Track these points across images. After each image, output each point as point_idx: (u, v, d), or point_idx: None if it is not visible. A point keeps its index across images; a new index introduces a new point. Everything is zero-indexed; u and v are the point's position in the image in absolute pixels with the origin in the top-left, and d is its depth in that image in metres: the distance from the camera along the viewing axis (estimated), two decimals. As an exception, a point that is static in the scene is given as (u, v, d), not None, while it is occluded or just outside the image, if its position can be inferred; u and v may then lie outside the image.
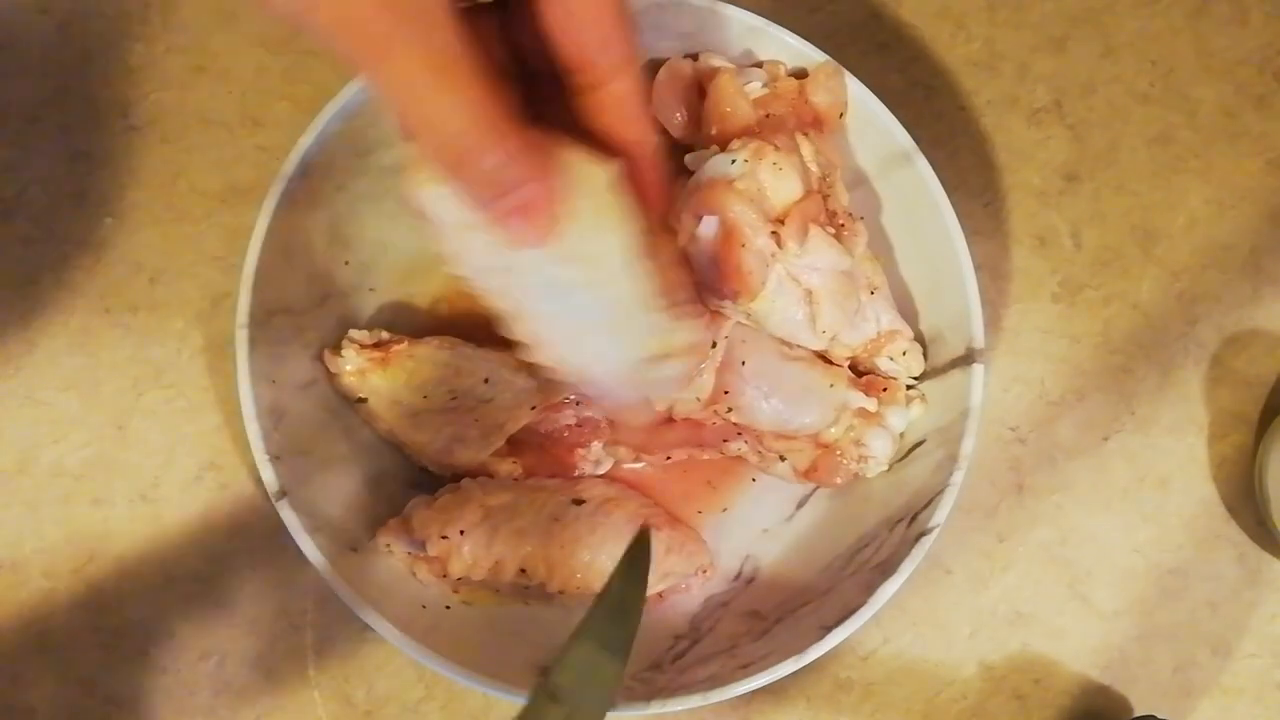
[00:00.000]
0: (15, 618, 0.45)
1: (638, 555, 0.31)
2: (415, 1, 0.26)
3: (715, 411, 0.44)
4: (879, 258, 0.45)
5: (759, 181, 0.40)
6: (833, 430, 0.44)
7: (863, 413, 0.44)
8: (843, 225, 0.42)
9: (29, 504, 0.45)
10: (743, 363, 0.43)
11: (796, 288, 0.41)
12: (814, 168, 0.42)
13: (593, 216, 0.32)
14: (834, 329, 0.42)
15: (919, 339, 0.45)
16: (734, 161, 0.40)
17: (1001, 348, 0.49)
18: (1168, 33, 0.53)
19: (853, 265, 0.42)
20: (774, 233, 0.40)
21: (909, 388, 0.45)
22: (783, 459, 0.44)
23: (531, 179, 0.30)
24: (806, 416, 0.44)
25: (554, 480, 0.44)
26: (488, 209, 0.30)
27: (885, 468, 0.44)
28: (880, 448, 0.44)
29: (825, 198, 0.42)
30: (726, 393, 0.43)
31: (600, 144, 0.32)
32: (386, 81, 0.27)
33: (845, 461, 0.44)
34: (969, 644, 0.47)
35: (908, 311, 0.45)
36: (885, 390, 0.44)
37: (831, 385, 0.44)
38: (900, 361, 0.44)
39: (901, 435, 0.44)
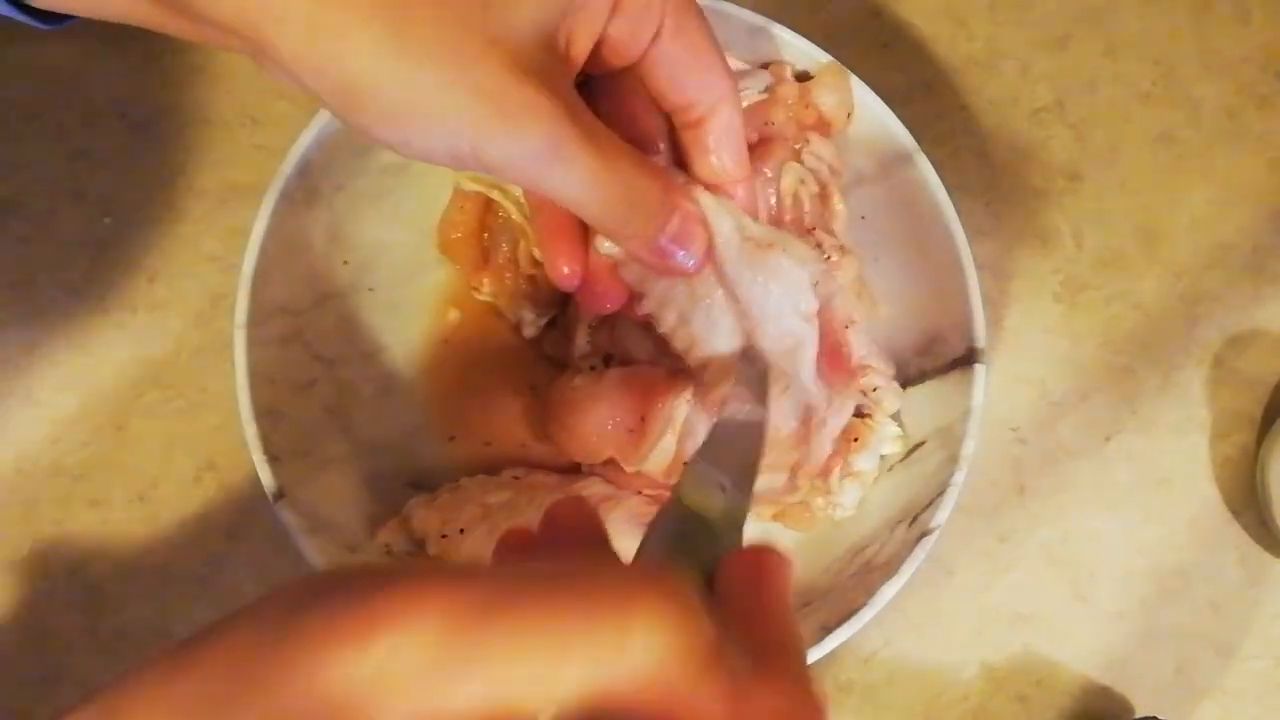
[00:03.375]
0: (15, 618, 0.44)
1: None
2: (562, 90, 0.29)
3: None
4: (879, 259, 0.45)
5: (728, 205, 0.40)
6: (795, 493, 0.42)
7: (827, 474, 0.42)
8: (827, 257, 0.41)
9: (28, 504, 0.45)
10: (704, 429, 0.41)
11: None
12: (805, 189, 0.41)
13: None
14: None
15: (924, 336, 0.45)
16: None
17: (1003, 348, 0.49)
18: (1170, 32, 0.52)
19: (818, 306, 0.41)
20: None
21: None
22: None
23: (678, 209, 0.35)
24: (764, 485, 0.41)
25: (552, 478, 0.44)
26: (651, 249, 0.35)
27: (852, 512, 0.43)
28: (849, 496, 0.43)
29: (811, 229, 0.41)
30: (686, 464, 0.42)
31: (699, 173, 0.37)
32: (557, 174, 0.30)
33: (812, 512, 0.43)
34: (970, 645, 0.47)
35: (908, 311, 0.45)
36: (856, 439, 0.43)
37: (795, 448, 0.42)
38: (871, 397, 0.43)
39: (881, 458, 0.44)
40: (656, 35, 0.33)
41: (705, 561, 0.24)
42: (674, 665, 0.18)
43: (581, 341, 0.43)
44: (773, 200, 0.41)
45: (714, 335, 0.39)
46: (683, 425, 0.41)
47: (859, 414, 0.43)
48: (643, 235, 0.34)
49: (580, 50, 0.31)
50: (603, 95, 0.35)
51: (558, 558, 0.24)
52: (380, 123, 0.29)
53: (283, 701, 0.17)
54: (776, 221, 0.41)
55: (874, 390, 0.43)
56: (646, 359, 0.41)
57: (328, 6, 0.26)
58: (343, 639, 0.17)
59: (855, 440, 0.43)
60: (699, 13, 0.34)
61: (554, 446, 0.44)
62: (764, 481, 0.41)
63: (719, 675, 0.19)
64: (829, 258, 0.42)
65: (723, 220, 0.37)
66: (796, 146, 0.43)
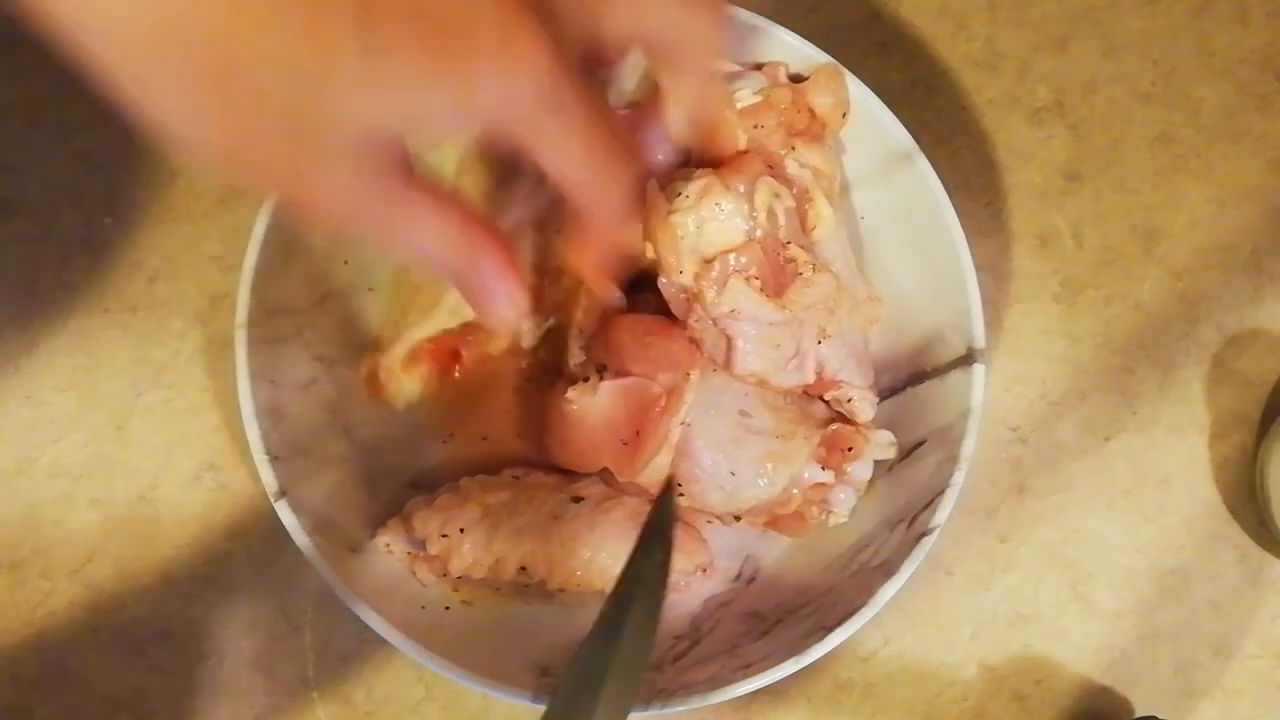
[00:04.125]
0: (15, 618, 0.44)
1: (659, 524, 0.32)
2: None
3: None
4: (878, 259, 0.45)
5: (699, 218, 0.40)
6: (787, 506, 0.43)
7: (820, 486, 0.43)
8: (799, 273, 0.41)
9: (28, 504, 0.45)
10: (699, 445, 0.42)
11: (713, 328, 0.41)
12: (780, 206, 0.41)
13: None
14: (758, 373, 0.41)
15: (924, 337, 0.45)
16: (678, 194, 0.40)
17: (1002, 348, 0.49)
18: (1169, 32, 0.52)
19: (790, 316, 0.41)
20: (696, 274, 0.40)
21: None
22: (738, 518, 0.44)
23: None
24: (755, 499, 0.42)
25: (552, 478, 0.44)
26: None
27: (846, 519, 0.43)
28: (844, 502, 0.43)
29: (785, 244, 0.41)
30: (679, 482, 0.42)
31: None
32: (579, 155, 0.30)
33: (806, 519, 0.43)
34: (970, 645, 0.47)
35: (908, 312, 0.45)
36: (850, 450, 0.43)
37: (789, 463, 0.42)
38: (845, 409, 0.43)
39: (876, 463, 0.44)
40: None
41: None
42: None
43: (575, 352, 0.43)
44: (750, 216, 0.41)
45: None
46: (677, 444, 0.41)
47: (851, 422, 0.43)
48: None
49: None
50: None
51: None
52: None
53: None
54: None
55: (848, 401, 0.43)
56: (640, 371, 0.41)
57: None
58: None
59: (849, 450, 0.43)
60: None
61: (548, 458, 0.44)
62: (758, 491, 0.42)
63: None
64: (806, 270, 0.42)
65: None
66: (782, 152, 0.42)
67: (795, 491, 0.42)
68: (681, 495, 0.42)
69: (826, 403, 0.44)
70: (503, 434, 0.45)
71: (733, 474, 0.41)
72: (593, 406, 0.42)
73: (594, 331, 0.43)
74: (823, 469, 0.42)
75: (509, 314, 0.32)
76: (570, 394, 0.42)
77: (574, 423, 0.42)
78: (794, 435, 0.42)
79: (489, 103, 0.27)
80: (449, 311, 0.43)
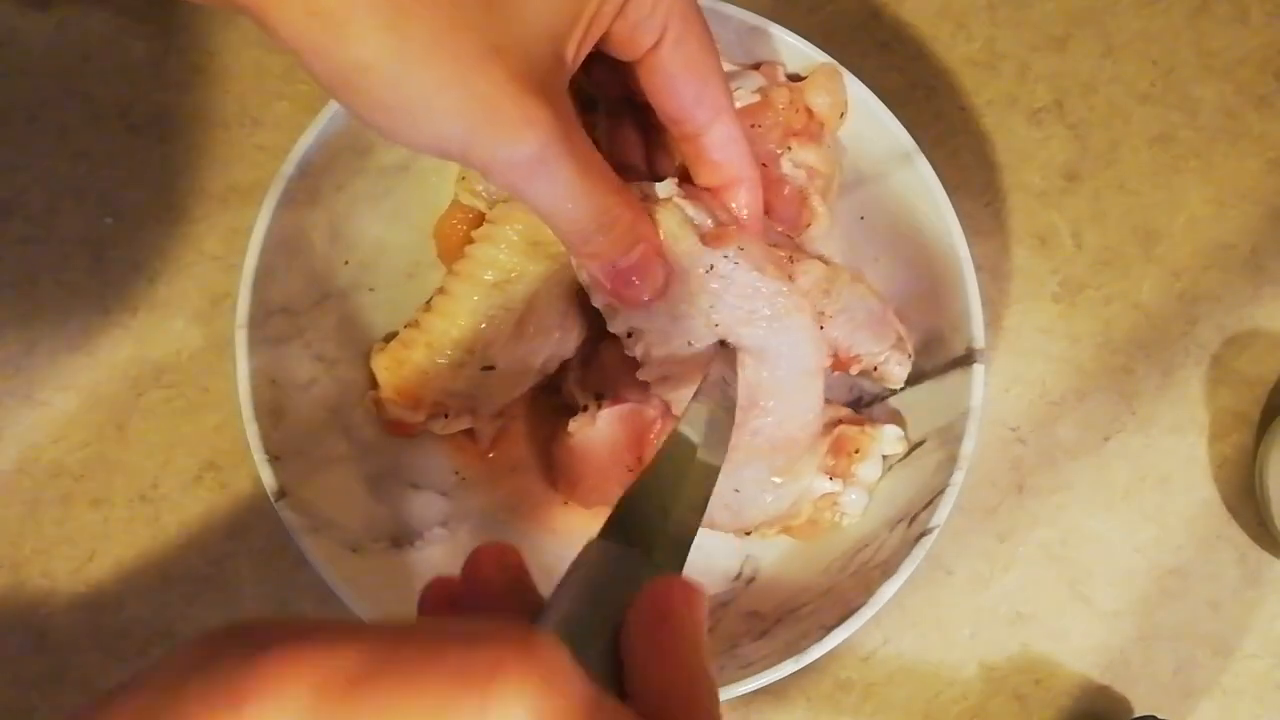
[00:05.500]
0: (15, 618, 0.44)
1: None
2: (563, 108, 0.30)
3: None
4: (878, 259, 0.45)
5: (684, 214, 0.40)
6: (797, 517, 0.43)
7: (829, 497, 0.43)
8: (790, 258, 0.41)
9: (29, 504, 0.45)
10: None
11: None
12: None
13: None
14: None
15: (923, 337, 0.45)
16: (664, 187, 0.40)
17: (1002, 348, 0.49)
18: (1168, 32, 0.53)
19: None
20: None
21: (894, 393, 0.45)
22: (748, 533, 0.44)
23: (642, 239, 0.35)
24: (763, 515, 0.42)
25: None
26: (608, 272, 0.36)
27: (858, 519, 0.43)
28: (855, 503, 0.43)
29: (775, 245, 0.41)
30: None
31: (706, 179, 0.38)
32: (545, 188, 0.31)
33: (820, 525, 0.43)
34: (969, 644, 0.47)
35: (908, 311, 0.45)
36: (857, 451, 0.43)
37: (797, 477, 0.42)
38: (875, 376, 0.44)
39: (884, 458, 0.44)
40: (657, 43, 0.33)
41: (626, 601, 0.24)
42: None
43: (571, 380, 0.43)
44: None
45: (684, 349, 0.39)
46: None
47: (855, 423, 0.43)
48: (603, 256, 0.35)
49: (581, 54, 0.31)
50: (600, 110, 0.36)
51: (478, 610, 0.25)
52: (371, 110, 0.29)
53: None
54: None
55: (874, 370, 0.43)
56: (633, 396, 0.41)
57: None
58: (215, 712, 0.17)
59: (856, 452, 0.43)
60: (702, 26, 0.34)
61: (566, 499, 0.44)
62: (765, 507, 0.42)
63: None
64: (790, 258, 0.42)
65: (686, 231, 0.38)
66: (778, 152, 0.42)
67: (804, 504, 0.42)
68: None
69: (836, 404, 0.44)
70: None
71: (737, 491, 0.41)
72: (594, 435, 0.42)
73: (586, 360, 0.43)
74: (830, 479, 0.42)
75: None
76: (571, 426, 0.42)
77: (580, 456, 0.42)
78: (802, 456, 0.42)
79: None
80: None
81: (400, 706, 0.17)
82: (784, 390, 0.39)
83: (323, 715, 0.17)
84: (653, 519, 0.27)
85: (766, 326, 0.39)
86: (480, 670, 0.18)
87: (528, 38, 0.29)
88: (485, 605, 0.24)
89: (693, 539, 0.28)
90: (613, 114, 0.39)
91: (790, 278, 0.40)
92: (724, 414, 0.33)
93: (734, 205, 0.38)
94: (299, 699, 0.17)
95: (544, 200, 0.31)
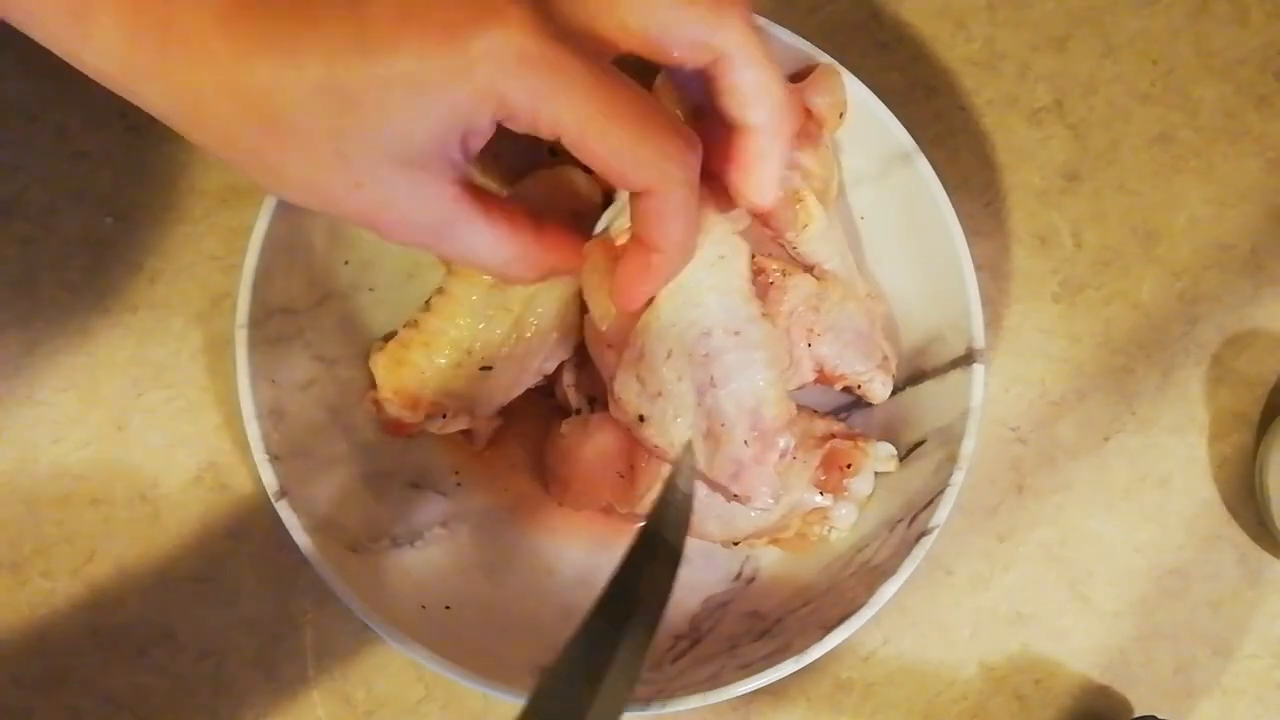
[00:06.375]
0: (15, 618, 0.44)
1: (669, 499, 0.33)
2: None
3: None
4: (878, 259, 0.45)
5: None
6: (787, 530, 0.43)
7: (819, 511, 0.43)
8: (770, 282, 0.41)
9: (29, 504, 0.45)
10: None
11: None
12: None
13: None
14: None
15: (923, 337, 0.45)
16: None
17: (1002, 348, 0.49)
18: (1168, 32, 0.53)
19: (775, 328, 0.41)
20: None
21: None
22: (736, 543, 0.44)
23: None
24: (753, 526, 0.42)
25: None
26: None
27: (846, 533, 0.44)
28: (844, 517, 0.43)
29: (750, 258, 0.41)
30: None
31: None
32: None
33: (808, 539, 0.43)
34: (969, 644, 0.47)
35: (907, 311, 0.45)
36: (849, 466, 0.43)
37: (788, 490, 0.42)
38: (861, 393, 0.44)
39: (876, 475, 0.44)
40: (724, 61, 0.33)
41: None
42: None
43: (566, 383, 0.43)
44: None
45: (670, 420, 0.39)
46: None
47: (848, 438, 0.43)
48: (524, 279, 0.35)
49: (470, 152, 0.31)
50: None
51: None
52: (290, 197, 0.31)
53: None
54: None
55: (859, 389, 0.43)
56: None
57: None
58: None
59: (849, 466, 0.43)
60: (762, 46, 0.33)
61: (557, 502, 0.44)
62: (755, 520, 0.42)
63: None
64: (775, 277, 0.41)
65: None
66: None
67: (794, 518, 0.42)
68: None
69: (827, 416, 0.44)
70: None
71: (728, 502, 0.41)
72: (586, 439, 0.42)
73: (582, 363, 0.43)
74: (821, 494, 0.42)
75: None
76: (564, 428, 0.42)
77: (571, 459, 0.42)
78: (790, 471, 0.42)
79: (481, 62, 0.28)
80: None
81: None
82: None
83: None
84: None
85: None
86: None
87: (392, 170, 0.30)
88: None
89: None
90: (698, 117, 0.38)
91: (766, 298, 0.40)
92: (686, 500, 0.33)
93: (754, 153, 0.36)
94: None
95: (464, 256, 0.33)
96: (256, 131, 0.29)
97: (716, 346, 0.38)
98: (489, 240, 0.32)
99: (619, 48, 0.32)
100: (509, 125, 0.30)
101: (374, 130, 0.28)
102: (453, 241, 0.32)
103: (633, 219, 0.34)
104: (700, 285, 0.38)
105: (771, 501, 0.40)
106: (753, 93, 0.34)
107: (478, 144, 0.30)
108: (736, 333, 0.38)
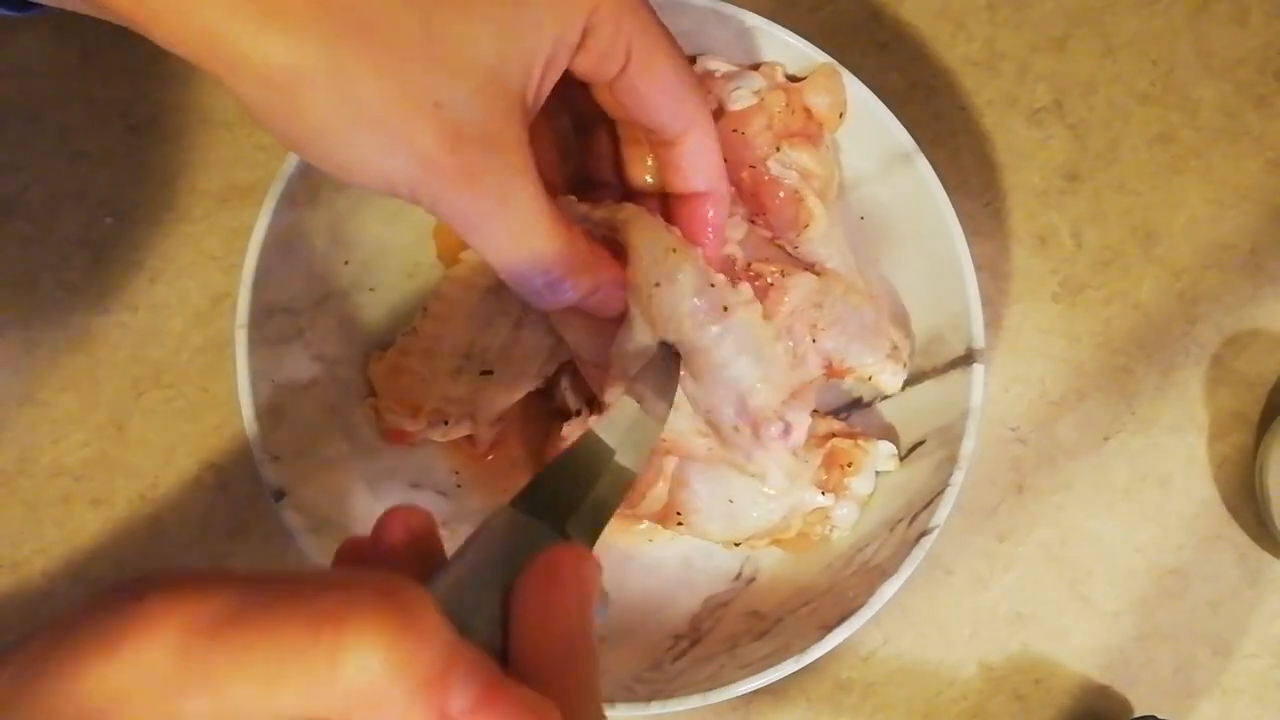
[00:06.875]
0: (15, 618, 0.44)
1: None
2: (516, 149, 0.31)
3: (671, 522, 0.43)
4: (878, 259, 0.45)
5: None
6: (788, 530, 0.43)
7: (820, 511, 0.43)
8: (770, 284, 0.41)
9: (29, 504, 0.45)
10: (693, 474, 0.42)
11: None
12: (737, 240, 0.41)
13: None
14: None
15: (923, 337, 0.45)
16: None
17: (1002, 348, 0.49)
18: (1168, 32, 0.53)
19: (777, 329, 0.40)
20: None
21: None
22: (738, 544, 0.44)
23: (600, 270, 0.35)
24: (755, 526, 0.42)
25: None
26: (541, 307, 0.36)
27: (848, 532, 0.44)
28: (845, 517, 0.43)
29: (747, 266, 0.41)
30: (679, 512, 0.42)
31: (672, 189, 0.37)
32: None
33: (810, 539, 0.43)
34: (969, 644, 0.47)
35: (907, 312, 0.45)
36: (850, 465, 0.43)
37: (787, 495, 0.42)
38: (869, 386, 0.44)
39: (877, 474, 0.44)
40: (623, 69, 0.33)
41: (522, 567, 0.24)
42: (384, 685, 0.19)
43: (565, 385, 0.43)
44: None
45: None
46: (673, 474, 0.41)
47: (849, 436, 0.43)
48: (543, 302, 0.35)
49: (540, 97, 0.31)
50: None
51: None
52: (325, 164, 0.30)
53: (44, 707, 0.18)
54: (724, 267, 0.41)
55: (869, 380, 0.43)
56: None
57: (275, 41, 0.28)
58: (92, 653, 0.19)
59: (849, 465, 0.43)
60: (669, 43, 0.34)
61: None
62: (755, 520, 0.42)
63: (435, 693, 0.19)
64: (775, 278, 0.41)
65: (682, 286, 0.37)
66: (769, 154, 0.42)
67: (795, 517, 0.42)
68: (681, 525, 0.42)
69: (829, 414, 0.44)
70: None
71: (731, 501, 0.41)
72: None
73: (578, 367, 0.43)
74: (822, 493, 0.42)
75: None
76: (564, 430, 0.42)
77: None
78: (791, 471, 0.42)
79: None
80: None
81: (259, 645, 0.18)
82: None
83: (189, 655, 0.18)
84: (565, 498, 0.28)
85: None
86: (336, 612, 0.19)
87: (474, 90, 0.29)
88: (390, 564, 0.25)
89: (604, 526, 0.28)
90: (583, 128, 0.39)
91: (766, 300, 0.40)
92: (651, 420, 0.33)
93: (702, 216, 0.38)
94: (168, 641, 0.18)
95: (487, 248, 0.32)
96: (344, 39, 0.27)
97: (690, 347, 0.38)
98: (545, 222, 0.32)
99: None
100: (581, 55, 0.31)
101: (470, 26, 0.28)
102: (510, 209, 0.31)
103: (672, 172, 0.37)
104: (666, 300, 0.38)
105: (786, 482, 0.40)
106: (702, 164, 0.37)
107: (553, 76, 0.31)
108: (713, 328, 0.38)
